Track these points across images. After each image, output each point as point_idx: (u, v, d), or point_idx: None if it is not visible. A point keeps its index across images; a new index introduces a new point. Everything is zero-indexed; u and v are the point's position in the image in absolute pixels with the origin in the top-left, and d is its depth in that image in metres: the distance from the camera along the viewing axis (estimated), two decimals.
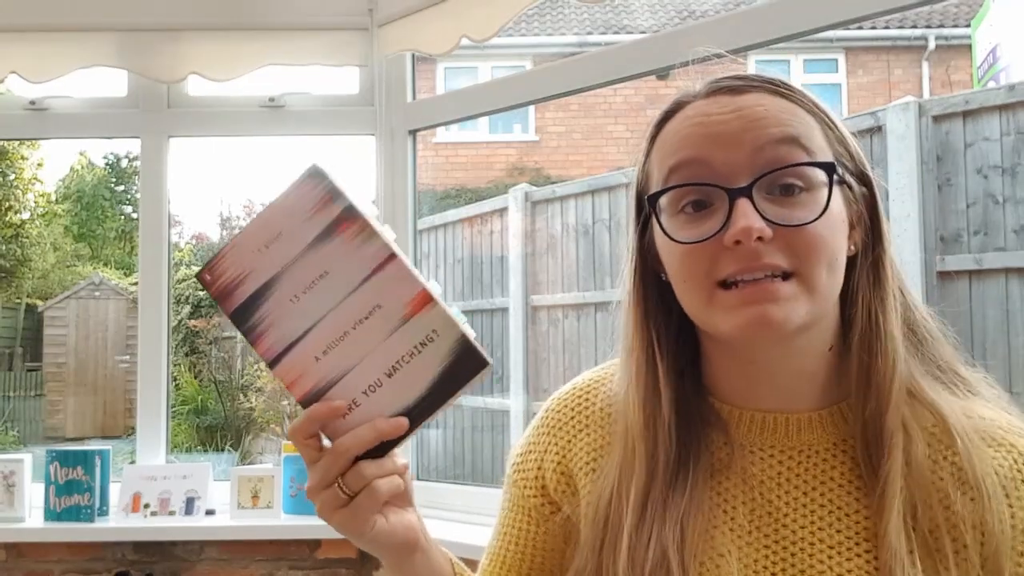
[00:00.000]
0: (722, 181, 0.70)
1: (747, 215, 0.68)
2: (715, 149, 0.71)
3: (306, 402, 0.68)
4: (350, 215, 0.67)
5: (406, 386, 0.67)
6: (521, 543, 0.87)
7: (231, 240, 0.69)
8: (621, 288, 0.81)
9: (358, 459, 0.68)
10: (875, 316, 0.74)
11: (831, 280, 0.72)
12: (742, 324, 0.70)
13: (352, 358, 0.67)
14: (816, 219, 0.70)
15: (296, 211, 0.68)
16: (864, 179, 0.76)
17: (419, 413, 0.67)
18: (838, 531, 0.72)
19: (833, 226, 0.72)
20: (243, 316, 0.68)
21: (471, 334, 0.68)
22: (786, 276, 0.70)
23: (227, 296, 0.68)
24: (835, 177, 0.71)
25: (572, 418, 0.86)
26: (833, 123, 0.75)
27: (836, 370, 0.76)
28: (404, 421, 0.67)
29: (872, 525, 0.71)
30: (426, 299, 0.67)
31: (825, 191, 0.71)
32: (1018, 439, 0.73)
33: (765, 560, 0.73)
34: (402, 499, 0.74)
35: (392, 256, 0.67)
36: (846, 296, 0.75)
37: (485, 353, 0.67)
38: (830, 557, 0.72)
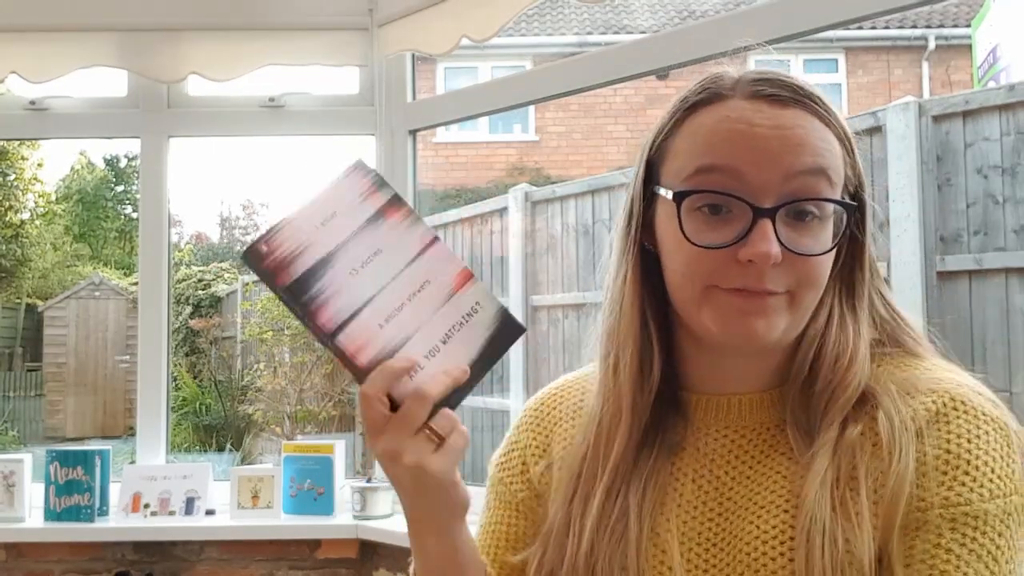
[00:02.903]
0: (749, 196, 0.71)
1: (768, 239, 0.70)
2: (751, 163, 0.72)
3: (372, 368, 0.71)
4: (396, 202, 0.74)
5: (461, 349, 0.73)
6: (512, 538, 0.88)
7: (283, 217, 0.72)
8: (614, 253, 0.83)
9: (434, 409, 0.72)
10: (842, 321, 0.76)
11: (815, 301, 0.75)
12: (729, 331, 0.73)
13: (410, 326, 0.72)
14: (823, 253, 0.73)
15: (347, 195, 0.73)
16: (860, 199, 0.78)
17: (476, 372, 0.73)
18: (771, 492, 0.75)
19: (832, 256, 0.75)
20: (302, 288, 0.70)
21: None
22: (780, 294, 0.73)
23: (283, 268, 0.70)
24: (852, 219, 0.75)
25: (549, 414, 0.91)
26: (853, 148, 0.77)
27: (791, 354, 0.78)
28: (468, 368, 0.73)
29: (802, 482, 0.73)
30: (468, 276, 0.74)
31: (833, 223, 0.74)
32: (953, 387, 0.73)
33: (706, 532, 0.76)
34: None
35: (436, 239, 0.74)
36: None
37: (521, 321, 0.75)
38: (758, 516, 0.74)
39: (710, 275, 0.73)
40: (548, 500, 0.86)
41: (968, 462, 0.69)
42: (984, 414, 0.71)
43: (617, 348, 0.81)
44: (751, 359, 0.78)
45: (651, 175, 0.79)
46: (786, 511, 0.73)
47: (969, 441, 0.70)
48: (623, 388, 0.80)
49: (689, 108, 0.77)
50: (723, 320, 0.73)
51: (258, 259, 0.70)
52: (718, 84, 0.76)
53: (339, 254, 0.71)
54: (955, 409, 0.71)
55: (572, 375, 0.93)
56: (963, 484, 0.68)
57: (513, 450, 0.91)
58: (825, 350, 0.75)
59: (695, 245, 0.73)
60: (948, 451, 0.70)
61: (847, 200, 0.75)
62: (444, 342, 0.73)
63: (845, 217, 0.74)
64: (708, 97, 0.76)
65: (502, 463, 0.92)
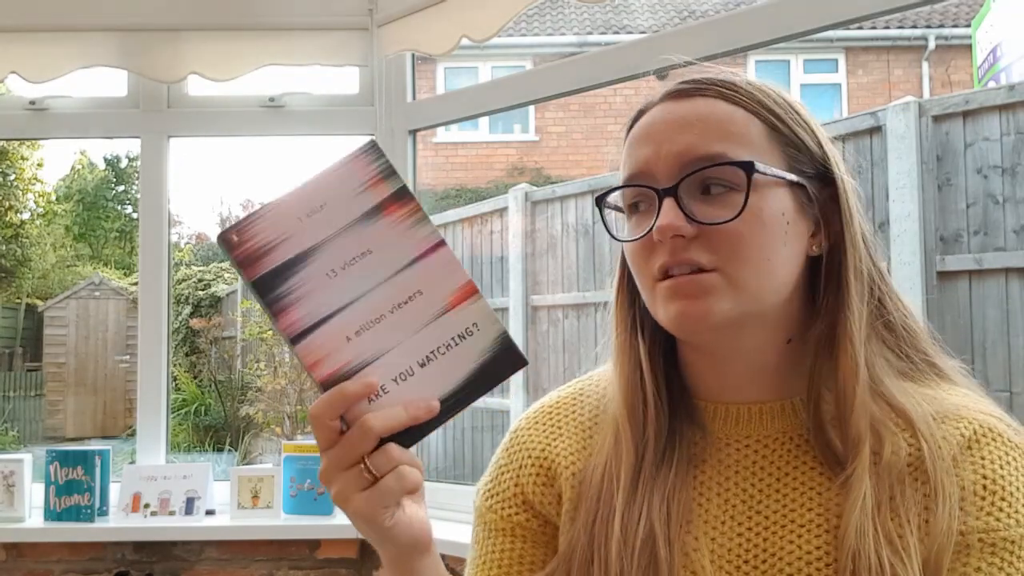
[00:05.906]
0: (654, 183, 0.74)
1: (666, 213, 0.72)
2: (651, 154, 0.75)
3: (328, 384, 0.63)
4: (402, 196, 0.64)
5: (439, 377, 0.64)
6: (505, 565, 0.82)
7: (265, 204, 0.63)
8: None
9: (382, 442, 0.64)
10: (835, 319, 0.75)
11: (761, 279, 0.73)
12: (670, 316, 0.73)
13: (385, 343, 0.63)
14: (732, 219, 0.71)
15: (345, 185, 0.64)
16: (826, 179, 0.76)
17: (450, 406, 0.64)
18: (809, 510, 0.74)
19: (760, 225, 0.72)
20: (269, 284, 0.62)
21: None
22: (711, 272, 0.73)
23: (253, 262, 0.62)
24: (753, 176, 0.72)
25: (545, 431, 0.85)
26: (782, 122, 0.75)
27: (800, 361, 0.77)
28: (436, 404, 0.63)
29: (840, 504, 0.72)
30: (471, 291, 0.65)
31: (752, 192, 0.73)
32: (980, 415, 0.74)
33: (738, 548, 0.74)
34: (418, 496, 0.70)
35: (441, 243, 0.65)
36: (809, 293, 0.77)
37: (523, 352, 0.66)
38: (799, 536, 0.73)
39: (644, 267, 0.75)
40: (557, 520, 0.82)
41: (1003, 488, 0.71)
42: (1010, 441, 0.73)
43: (615, 370, 0.82)
44: (746, 357, 0.77)
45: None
46: (827, 531, 0.72)
47: (1002, 468, 0.71)
48: (622, 410, 0.79)
49: (626, 133, 0.81)
50: (664, 309, 0.74)
51: (228, 248, 0.62)
52: (644, 103, 0.80)
53: (320, 251, 0.63)
54: (985, 436, 0.73)
55: (566, 389, 0.89)
56: (1001, 510, 0.70)
57: (503, 473, 0.85)
58: (836, 368, 0.74)
59: (625, 241, 0.77)
60: (985, 477, 0.71)
61: (793, 175, 0.74)
62: (422, 365, 0.64)
63: (747, 180, 0.71)
64: (635, 117, 0.80)
65: (489, 490, 0.85)
